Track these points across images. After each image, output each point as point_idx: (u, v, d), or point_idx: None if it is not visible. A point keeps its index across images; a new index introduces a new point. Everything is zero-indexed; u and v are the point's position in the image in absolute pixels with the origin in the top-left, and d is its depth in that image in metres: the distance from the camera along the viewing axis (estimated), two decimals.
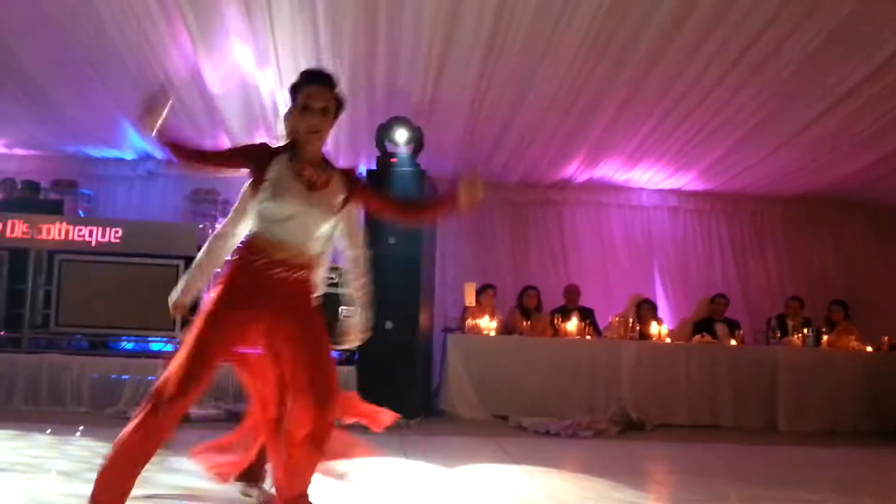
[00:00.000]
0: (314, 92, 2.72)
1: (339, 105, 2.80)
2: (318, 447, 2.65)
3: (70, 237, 6.58)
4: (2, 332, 6.47)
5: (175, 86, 6.47)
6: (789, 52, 5.86)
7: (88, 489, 2.50)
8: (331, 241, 3.00)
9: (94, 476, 2.51)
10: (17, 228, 6.58)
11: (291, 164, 2.71)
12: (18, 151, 8.70)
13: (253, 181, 2.73)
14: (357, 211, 3.13)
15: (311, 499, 2.73)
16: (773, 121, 7.04)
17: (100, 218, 7.64)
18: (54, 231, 6.58)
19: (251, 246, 2.72)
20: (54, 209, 7.36)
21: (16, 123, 7.86)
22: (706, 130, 7.36)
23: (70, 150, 8.68)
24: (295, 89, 2.78)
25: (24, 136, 8.23)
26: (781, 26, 5.52)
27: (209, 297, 2.68)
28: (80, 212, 7.94)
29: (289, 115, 2.91)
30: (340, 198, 2.78)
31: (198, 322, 2.61)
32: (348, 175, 2.84)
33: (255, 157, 2.73)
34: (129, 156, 8.81)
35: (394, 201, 3.22)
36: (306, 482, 2.72)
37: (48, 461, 3.90)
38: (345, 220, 3.03)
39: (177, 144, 2.71)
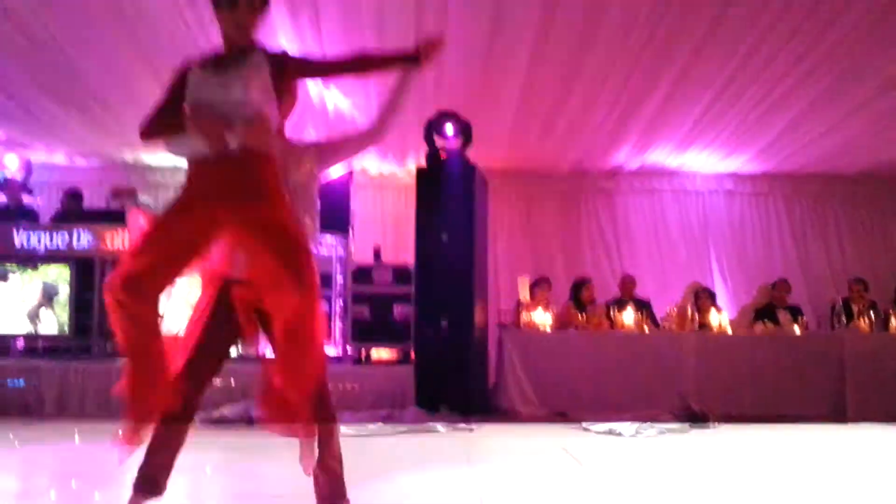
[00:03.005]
0: None
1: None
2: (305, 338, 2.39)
3: None
4: (72, 341, 6.69)
5: None
6: (848, 21, 5.63)
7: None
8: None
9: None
10: (82, 238, 6.80)
11: (206, 62, 2.59)
12: (79, 161, 8.97)
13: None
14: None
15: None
16: (832, 95, 6.80)
17: None
18: (118, 240, 6.78)
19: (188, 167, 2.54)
20: (117, 218, 7.56)
21: (75, 134, 8.09)
22: (762, 107, 7.15)
23: (128, 158, 8.90)
24: None
25: (84, 147, 8.49)
26: None
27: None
28: (142, 220, 8.13)
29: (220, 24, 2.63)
30: (265, 73, 2.54)
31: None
32: (277, 54, 2.62)
33: (174, 85, 2.59)
34: (184, 162, 8.97)
35: (338, 63, 2.91)
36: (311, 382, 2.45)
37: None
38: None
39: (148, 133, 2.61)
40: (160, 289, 2.46)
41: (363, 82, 6.88)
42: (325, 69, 2.96)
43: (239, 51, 2.58)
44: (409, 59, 2.69)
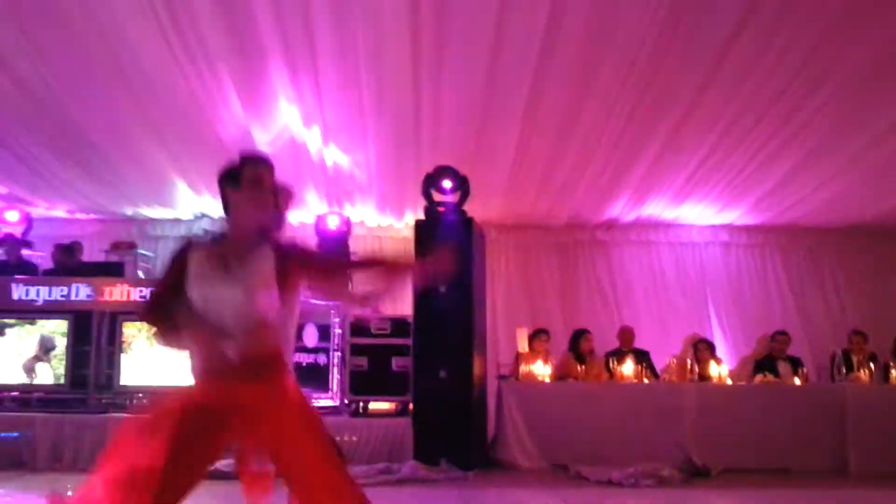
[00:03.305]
0: (262, 169, 2.63)
1: (276, 192, 2.66)
2: None
3: (131, 298, 6.78)
4: (67, 394, 6.62)
5: (226, 146, 6.70)
6: (841, 74, 5.76)
7: None
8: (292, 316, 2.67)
9: None
10: (80, 292, 6.81)
11: (210, 249, 2.58)
12: (80, 216, 9.04)
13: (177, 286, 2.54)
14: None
15: None
16: (826, 148, 6.92)
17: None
18: (116, 293, 6.80)
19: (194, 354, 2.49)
20: (115, 271, 7.59)
21: (76, 189, 8.19)
22: (756, 161, 7.27)
23: (128, 212, 8.99)
24: (231, 173, 2.63)
25: (85, 201, 8.57)
26: (834, 39, 5.40)
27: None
28: (140, 272, 8.17)
29: (230, 199, 2.66)
30: (270, 262, 2.55)
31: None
32: (282, 246, 2.64)
33: (175, 266, 2.57)
34: (184, 216, 9.07)
35: (343, 264, 3.04)
36: None
37: None
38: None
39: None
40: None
41: (362, 140, 7.02)
42: (329, 268, 2.92)
43: (245, 243, 2.57)
44: (411, 267, 2.78)
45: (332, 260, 3.11)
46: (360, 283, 2.76)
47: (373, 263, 2.89)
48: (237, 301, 2.48)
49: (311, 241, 2.82)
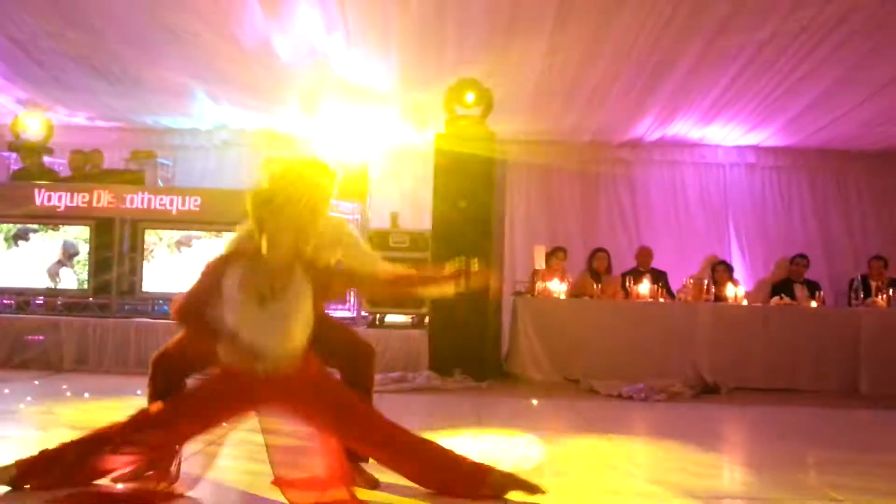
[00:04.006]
0: (301, 193, 2.66)
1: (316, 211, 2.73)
2: None
3: (152, 206, 6.83)
4: (91, 299, 6.78)
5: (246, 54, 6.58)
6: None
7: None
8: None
9: None
10: (102, 198, 6.86)
11: (246, 272, 2.62)
12: (100, 123, 9.03)
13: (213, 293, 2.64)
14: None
15: None
16: (860, 70, 6.68)
17: (179, 187, 7.87)
18: (137, 201, 6.84)
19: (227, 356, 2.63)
20: (135, 180, 7.61)
21: (97, 97, 8.14)
22: (788, 82, 7.05)
23: (148, 121, 8.95)
24: (266, 196, 2.65)
25: (105, 109, 8.53)
26: None
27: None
28: (160, 181, 8.20)
29: (264, 224, 2.65)
30: (306, 294, 2.63)
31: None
32: (317, 268, 2.71)
33: (213, 277, 2.65)
34: (204, 126, 9.03)
35: (377, 281, 3.11)
36: None
37: None
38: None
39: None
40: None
41: (385, 49, 6.85)
42: (368, 285, 3.11)
43: (282, 270, 2.61)
44: (449, 281, 2.81)
45: (370, 280, 3.13)
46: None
47: (412, 281, 3.01)
48: (273, 333, 2.58)
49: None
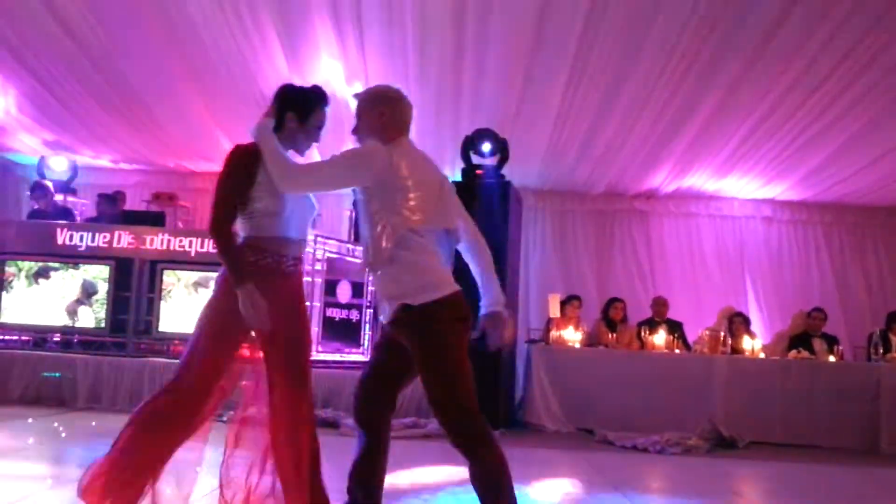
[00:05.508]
0: (324, 116, 2.87)
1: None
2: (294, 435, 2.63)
3: (171, 248, 6.93)
4: (107, 338, 6.82)
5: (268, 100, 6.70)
6: (893, 54, 5.60)
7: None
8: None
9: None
10: (122, 239, 6.97)
11: None
12: (123, 166, 9.21)
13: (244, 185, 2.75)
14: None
15: None
16: (877, 126, 6.73)
17: (198, 230, 7.97)
18: (157, 242, 6.94)
19: (255, 248, 2.72)
20: (156, 221, 7.73)
21: (121, 140, 8.33)
22: (805, 136, 7.10)
23: (170, 164, 9.12)
24: (304, 103, 2.83)
25: (129, 151, 8.71)
26: (889, 24, 5.27)
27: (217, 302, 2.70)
28: (180, 223, 8.31)
29: (287, 122, 2.82)
30: None
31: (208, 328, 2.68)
32: None
33: (245, 164, 2.76)
34: None
35: None
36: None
37: None
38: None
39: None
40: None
41: None
42: None
43: None
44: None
45: None
46: None
47: None
48: (304, 214, 2.81)
49: None
